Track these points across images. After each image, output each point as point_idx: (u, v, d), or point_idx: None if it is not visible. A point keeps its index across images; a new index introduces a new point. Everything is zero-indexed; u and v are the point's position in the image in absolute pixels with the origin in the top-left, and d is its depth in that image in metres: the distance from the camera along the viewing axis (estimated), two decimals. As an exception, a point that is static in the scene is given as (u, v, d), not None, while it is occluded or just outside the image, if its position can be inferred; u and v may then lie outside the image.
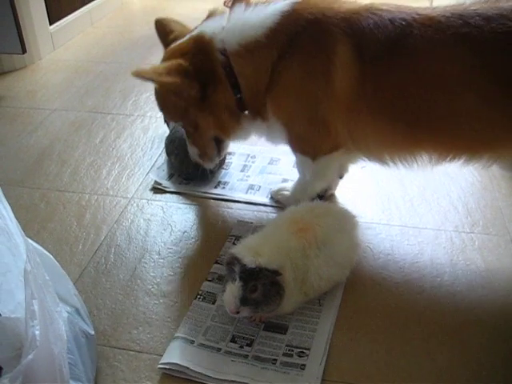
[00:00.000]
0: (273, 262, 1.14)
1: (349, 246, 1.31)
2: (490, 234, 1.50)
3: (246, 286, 1.12)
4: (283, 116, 1.42)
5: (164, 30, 1.56)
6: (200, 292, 1.32)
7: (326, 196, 1.64)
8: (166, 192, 1.70)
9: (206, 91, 1.41)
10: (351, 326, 1.24)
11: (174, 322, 1.25)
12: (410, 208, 1.62)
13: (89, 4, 3.19)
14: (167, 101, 1.48)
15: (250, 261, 1.13)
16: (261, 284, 1.13)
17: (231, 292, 1.14)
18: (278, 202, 1.63)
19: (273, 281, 1.14)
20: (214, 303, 1.29)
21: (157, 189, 1.72)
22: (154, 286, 1.36)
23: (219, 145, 1.57)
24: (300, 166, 1.56)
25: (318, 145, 1.45)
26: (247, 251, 1.15)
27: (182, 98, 1.41)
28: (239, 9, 1.42)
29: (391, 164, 1.44)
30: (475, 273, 1.38)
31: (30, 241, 1.04)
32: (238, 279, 1.13)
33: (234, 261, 1.15)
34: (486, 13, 1.25)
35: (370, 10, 1.33)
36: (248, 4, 1.42)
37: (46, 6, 2.75)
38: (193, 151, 1.56)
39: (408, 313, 1.27)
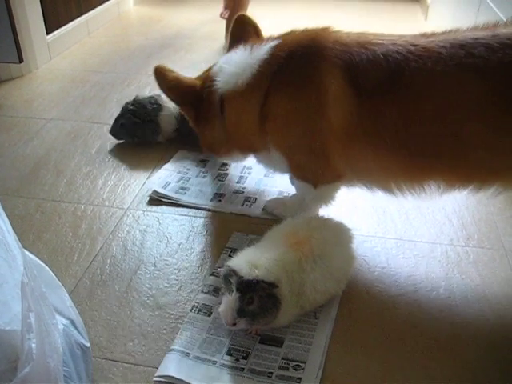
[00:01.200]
0: (270, 275, 1.14)
1: (345, 260, 1.31)
2: (485, 248, 1.51)
3: (243, 297, 1.13)
4: (283, 147, 1.46)
5: (243, 29, 1.59)
6: (196, 304, 1.32)
7: None
8: (161, 203, 1.70)
9: (200, 121, 1.59)
10: (347, 339, 1.24)
11: (170, 335, 1.25)
12: (405, 221, 1.62)
13: (86, 14, 3.20)
14: None
15: (247, 273, 1.13)
16: (257, 296, 1.13)
17: (228, 304, 1.14)
18: (273, 214, 1.63)
19: (269, 293, 1.14)
20: (209, 315, 1.29)
21: (153, 199, 1.72)
22: (150, 297, 1.36)
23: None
24: (300, 190, 1.58)
25: (319, 174, 1.47)
26: (244, 263, 1.16)
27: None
28: (240, 52, 1.48)
29: (398, 193, 1.42)
30: (470, 286, 1.39)
31: (26, 252, 1.04)
32: (234, 291, 1.13)
33: (230, 273, 1.15)
34: (488, 42, 1.24)
35: (362, 45, 1.33)
36: (240, 48, 1.49)
37: (44, 15, 2.75)
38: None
39: (403, 326, 1.27)
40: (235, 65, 1.46)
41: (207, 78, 1.54)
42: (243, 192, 1.75)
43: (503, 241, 1.53)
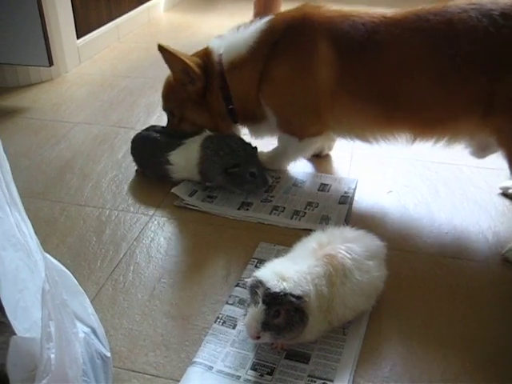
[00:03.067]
0: (298, 288, 1.10)
1: (376, 275, 1.26)
2: (523, 266, 1.45)
3: (269, 310, 1.08)
4: (275, 106, 1.72)
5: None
6: (220, 315, 1.28)
7: (321, 155, 1.97)
8: (187, 211, 1.67)
9: (206, 92, 1.77)
10: (376, 357, 1.19)
11: (193, 346, 1.21)
12: (438, 236, 1.56)
13: (116, 19, 3.21)
14: (173, 90, 1.83)
15: (274, 285, 1.09)
16: (284, 309, 1.09)
17: (253, 316, 1.10)
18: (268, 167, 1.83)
19: (297, 307, 1.10)
20: (234, 328, 1.25)
21: (179, 206, 1.69)
22: (173, 307, 1.32)
23: None
24: (284, 142, 1.83)
25: (306, 128, 1.76)
26: (272, 275, 1.11)
27: (186, 89, 1.76)
28: (233, 31, 1.76)
29: (373, 141, 1.71)
30: (508, 306, 1.32)
31: (49, 256, 1.01)
32: (260, 303, 1.09)
33: (257, 284, 1.11)
34: (434, 10, 1.53)
35: (345, 16, 1.63)
36: (239, 27, 1.76)
37: (75, 20, 2.77)
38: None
39: (434, 346, 1.21)
40: (233, 40, 1.72)
41: (204, 56, 1.76)
42: (271, 201, 1.71)
43: (542, 259, 1.47)
